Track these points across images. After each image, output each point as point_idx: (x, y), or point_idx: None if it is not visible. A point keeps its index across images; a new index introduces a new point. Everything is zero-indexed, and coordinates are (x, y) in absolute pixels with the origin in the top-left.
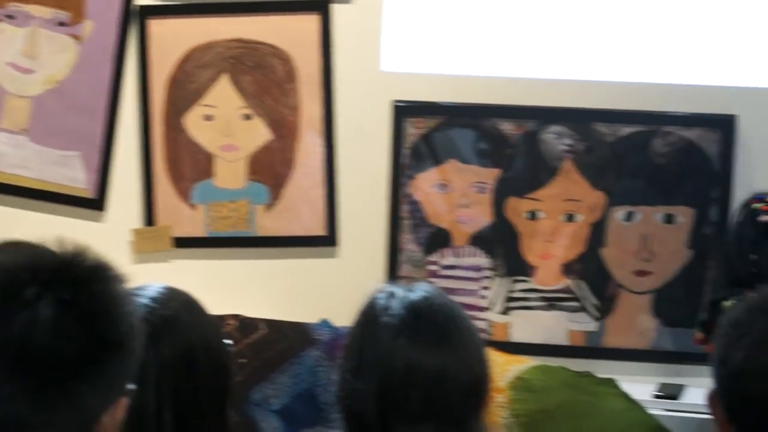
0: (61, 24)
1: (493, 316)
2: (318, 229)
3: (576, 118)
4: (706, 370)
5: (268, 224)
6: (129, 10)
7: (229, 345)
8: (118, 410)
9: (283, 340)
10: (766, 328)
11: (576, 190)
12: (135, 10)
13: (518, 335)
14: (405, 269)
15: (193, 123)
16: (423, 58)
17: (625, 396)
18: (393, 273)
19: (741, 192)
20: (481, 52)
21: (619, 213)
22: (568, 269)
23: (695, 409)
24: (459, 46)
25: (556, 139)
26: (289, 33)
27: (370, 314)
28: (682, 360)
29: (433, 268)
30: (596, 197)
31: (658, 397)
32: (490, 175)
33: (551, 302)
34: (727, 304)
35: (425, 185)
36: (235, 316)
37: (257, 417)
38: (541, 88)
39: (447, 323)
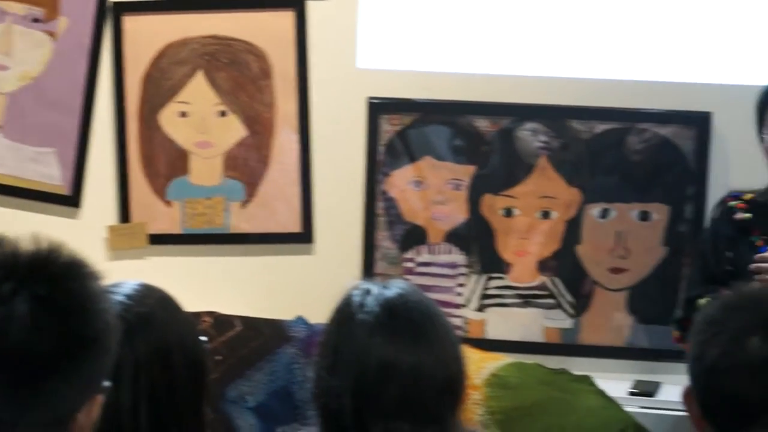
0: (36, 20)
1: (469, 313)
2: (293, 226)
3: (551, 115)
4: (681, 367)
5: (244, 221)
6: (104, 6)
7: (204, 342)
8: (94, 407)
9: (258, 337)
10: (741, 326)
11: (551, 187)
12: (110, 7)
13: (494, 332)
14: (380, 266)
15: (168, 120)
16: (398, 55)
17: (601, 393)
18: (368, 270)
19: (716, 189)
20: (456, 49)
21: (594, 210)
22: (543, 266)
23: (671, 406)
24: (434, 43)
25: (531, 136)
26: (265, 30)
27: (346, 312)
28: (657, 357)
29: (409, 265)
30: (571, 194)
31: (633, 394)
32: (466, 172)
33: (527, 299)
34: (703, 301)
35: (401, 182)
36: (211, 313)
37: (233, 414)
38: (517, 85)
39: (422, 320)
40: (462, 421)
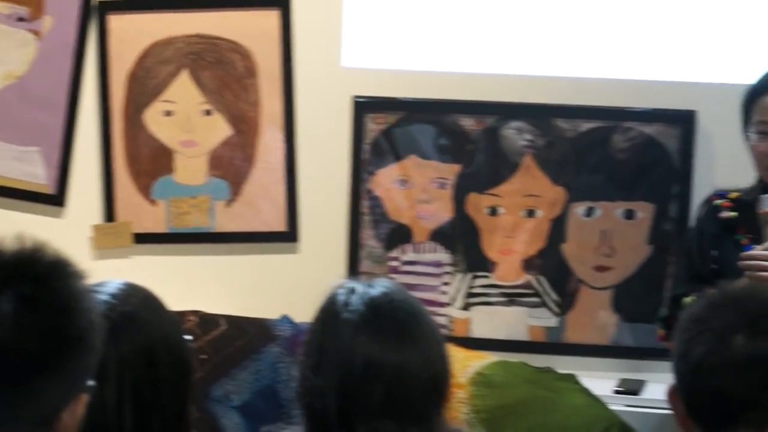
0: (20, 19)
1: (454, 311)
2: (278, 225)
3: (536, 114)
4: (666, 365)
5: (229, 220)
6: (89, 5)
7: (189, 341)
8: (79, 406)
9: (243, 336)
10: (725, 324)
11: (536, 185)
12: (94, 6)
13: (479, 331)
14: (365, 265)
15: (153, 119)
16: (383, 54)
17: (586, 392)
18: (353, 269)
19: (701, 187)
20: (441, 48)
21: (579, 208)
22: (528, 265)
23: (655, 404)
24: (419, 42)
25: (516, 134)
26: (250, 28)
27: (330, 310)
28: (642, 355)
29: (394, 263)
30: (556, 193)
31: (618, 392)
32: (451, 170)
33: (512, 298)
34: (689, 300)
35: (386, 181)
36: (196, 312)
37: (218, 413)
38: (502, 84)
39: (407, 319)
40: (447, 420)
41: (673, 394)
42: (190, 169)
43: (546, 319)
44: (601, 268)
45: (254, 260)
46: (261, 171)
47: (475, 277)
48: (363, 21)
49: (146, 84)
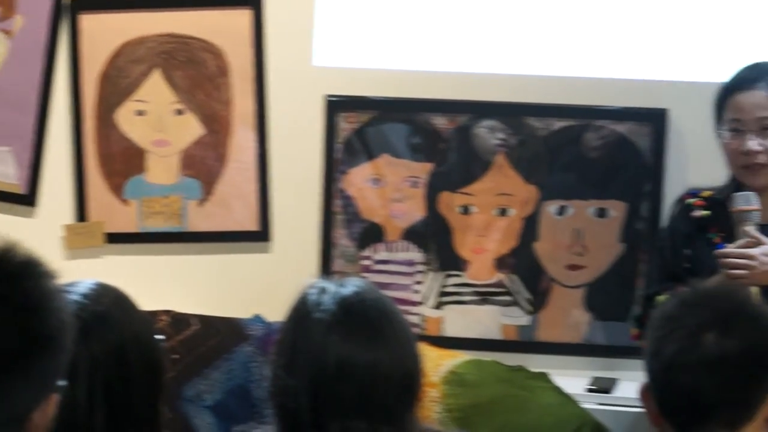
0: None
1: (426, 310)
2: (251, 225)
3: (508, 113)
4: (638, 363)
5: (201, 220)
6: (60, 5)
7: (161, 341)
8: (50, 407)
9: (215, 335)
10: (697, 322)
11: (508, 184)
12: (66, 5)
13: (451, 330)
14: (338, 264)
15: (125, 118)
16: (355, 53)
17: (558, 390)
18: (326, 268)
19: (673, 186)
20: (413, 47)
21: (551, 207)
22: (500, 263)
23: (628, 402)
24: (391, 41)
25: (488, 133)
26: (221, 28)
27: (302, 310)
28: (614, 354)
29: (367, 262)
30: (529, 191)
31: (590, 390)
32: (423, 169)
33: (484, 296)
34: (662, 299)
35: (358, 180)
36: (168, 312)
37: (190, 413)
38: (474, 83)
39: (379, 318)
40: (419, 419)
41: (646, 392)
42: (162, 168)
43: (518, 317)
44: (573, 267)
45: (226, 260)
46: (233, 170)
47: (448, 275)
48: (335, 20)
49: (118, 83)
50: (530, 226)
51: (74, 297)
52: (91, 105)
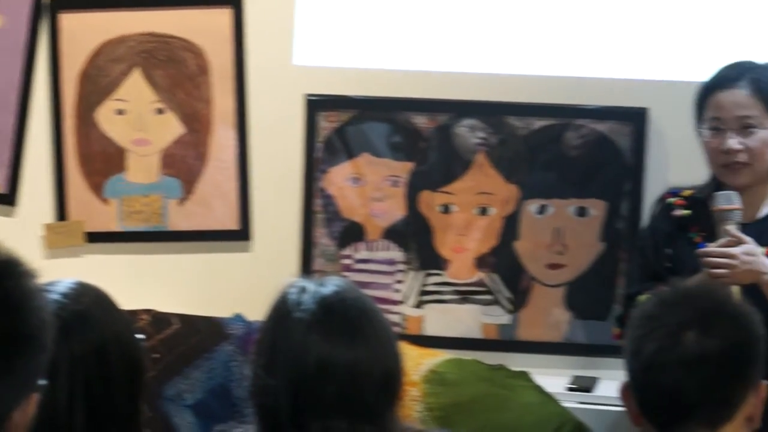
0: None
1: (407, 309)
2: (231, 224)
3: (489, 112)
4: (619, 362)
5: (182, 219)
6: (40, 4)
7: (141, 340)
8: (30, 406)
9: (196, 334)
10: (677, 321)
11: (489, 183)
12: (46, 4)
13: (432, 329)
14: (318, 263)
15: (105, 117)
16: (336, 52)
17: (539, 389)
18: (306, 267)
19: (653, 185)
20: (393, 46)
21: (532, 206)
22: (481, 262)
23: (608, 401)
24: (372, 40)
25: (469, 132)
26: (202, 27)
27: (282, 310)
28: (595, 353)
29: (347, 262)
30: (509, 190)
31: (571, 389)
32: (404, 168)
33: (465, 295)
34: (643, 298)
35: (338, 179)
36: (148, 311)
37: (171, 412)
38: (454, 82)
39: (359, 317)
40: (400, 418)
41: (626, 391)
42: (143, 167)
43: (499, 316)
44: (553, 266)
45: (207, 259)
46: (213, 169)
47: (428, 275)
48: (315, 19)
49: (98, 83)
50: (511, 225)
51: (54, 296)
52: (71, 104)
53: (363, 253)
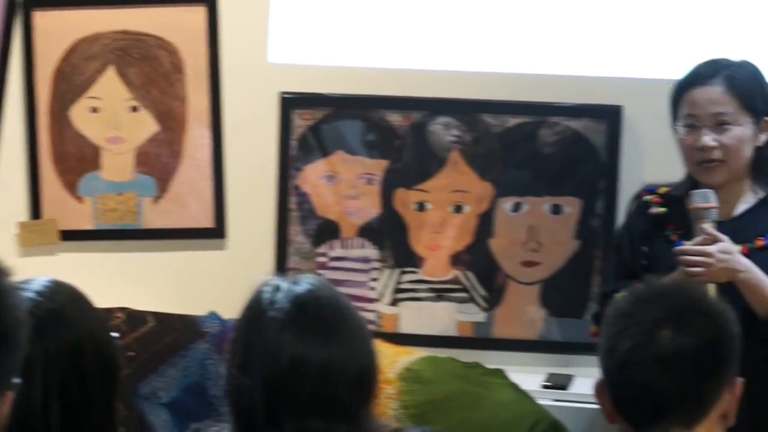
0: None
1: (382, 307)
2: (206, 222)
3: (463, 109)
4: (594, 360)
5: (156, 217)
6: (13, 1)
7: (116, 338)
8: (4, 404)
9: (171, 332)
10: (652, 319)
11: (463, 181)
12: (19, 2)
13: (407, 326)
14: (293, 261)
15: (80, 115)
16: (310, 50)
17: (514, 387)
18: (281, 265)
19: (628, 183)
20: (368, 44)
21: (506, 204)
22: (456, 260)
23: (584, 399)
24: (346, 38)
25: (443, 130)
26: (176, 24)
27: (256, 309)
28: (570, 350)
29: (322, 259)
30: (484, 188)
31: (546, 387)
32: (378, 166)
33: (440, 293)
34: (619, 296)
35: (313, 177)
36: (123, 309)
37: (146, 410)
38: (429, 79)
39: (333, 316)
40: (375, 416)
41: (600, 389)
42: (117, 165)
43: (474, 314)
44: (528, 263)
45: (182, 257)
46: (188, 167)
47: (403, 272)
48: (290, 17)
49: (72, 80)
50: (485, 223)
51: (29, 294)
52: (45, 102)
53: (338, 251)
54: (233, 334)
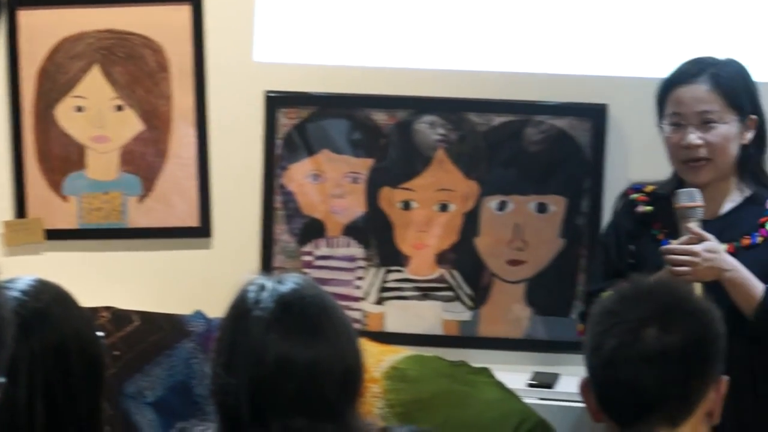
0: None
1: (368, 306)
2: (191, 221)
3: (448, 108)
4: (579, 358)
5: (141, 216)
6: None
7: (101, 337)
8: None
9: (156, 331)
10: (637, 317)
11: (449, 179)
12: (3, 1)
13: (393, 325)
14: (279, 260)
15: (65, 114)
16: (295, 49)
17: (500, 385)
18: (267, 264)
19: (613, 181)
20: (353, 42)
21: (492, 202)
22: (441, 259)
23: (569, 397)
24: (331, 36)
25: (429, 128)
26: (161, 23)
27: (241, 308)
28: (555, 349)
29: (308, 258)
30: (469, 187)
31: (532, 385)
32: (364, 165)
33: (425, 292)
34: (606, 295)
35: (299, 176)
36: (108, 309)
37: (131, 410)
38: (414, 78)
39: (318, 315)
40: (361, 415)
41: (585, 387)
42: (102, 164)
43: (460, 313)
44: (514, 262)
45: (167, 256)
46: (173, 166)
47: (389, 271)
48: (275, 15)
49: (57, 80)
50: (471, 222)
51: (14, 293)
52: (30, 101)
53: (323, 250)
54: (218, 333)
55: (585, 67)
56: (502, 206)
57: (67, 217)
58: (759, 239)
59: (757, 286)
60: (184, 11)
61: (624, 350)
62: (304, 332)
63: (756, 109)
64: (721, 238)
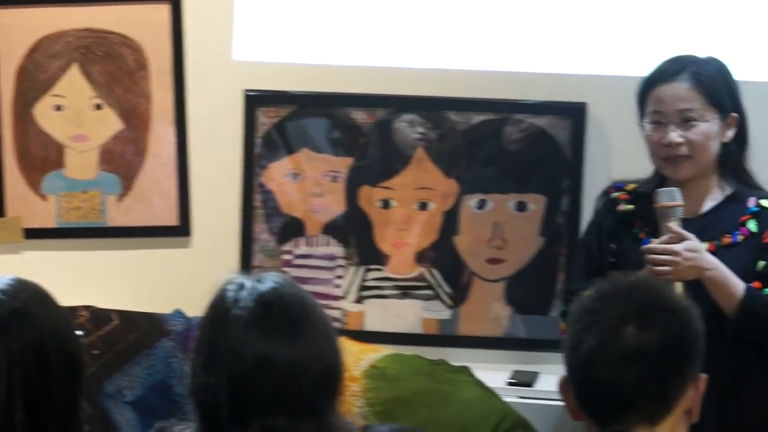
0: None
1: (347, 305)
2: (170, 219)
3: (428, 107)
4: (559, 357)
5: (121, 215)
6: None
7: (80, 336)
8: None
9: (136, 330)
10: (616, 315)
11: (428, 178)
12: None
13: (372, 324)
14: (258, 259)
15: (43, 113)
16: (275, 48)
17: (480, 384)
18: (246, 263)
19: (592, 180)
20: (332, 41)
21: (471, 201)
22: (421, 257)
23: (549, 396)
24: (310, 35)
25: (408, 127)
26: (140, 22)
27: (220, 307)
28: (535, 347)
29: (287, 257)
30: (449, 185)
31: (512, 384)
32: (343, 163)
33: (405, 291)
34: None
35: (278, 174)
36: (87, 308)
37: (111, 409)
38: (393, 77)
39: (297, 314)
40: (341, 413)
41: (565, 385)
42: (81, 163)
43: (439, 311)
44: (493, 261)
45: (146, 255)
46: (152, 165)
47: (368, 270)
48: (254, 14)
49: (36, 78)
50: (450, 220)
51: None
52: (9, 100)
53: (303, 249)
54: (198, 332)
55: (564, 66)
56: (481, 205)
57: (46, 216)
58: (740, 238)
59: (738, 284)
60: (163, 10)
61: (603, 349)
62: (284, 331)
63: (737, 107)
64: (702, 237)
